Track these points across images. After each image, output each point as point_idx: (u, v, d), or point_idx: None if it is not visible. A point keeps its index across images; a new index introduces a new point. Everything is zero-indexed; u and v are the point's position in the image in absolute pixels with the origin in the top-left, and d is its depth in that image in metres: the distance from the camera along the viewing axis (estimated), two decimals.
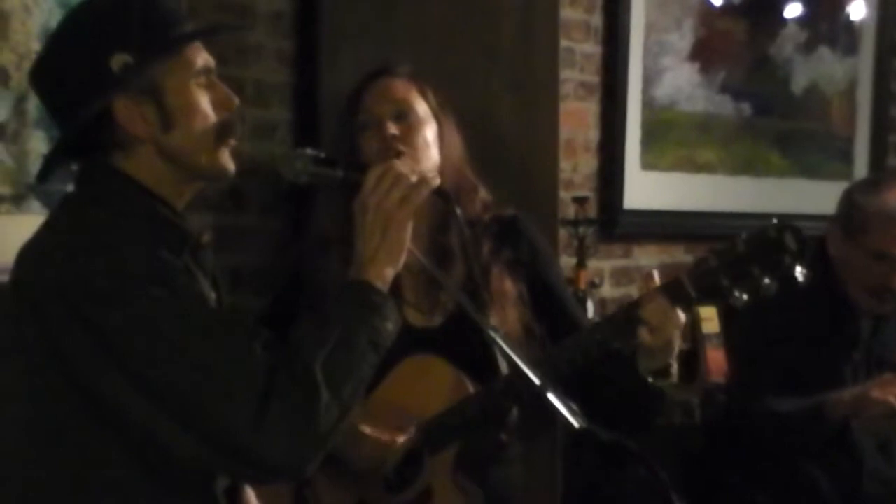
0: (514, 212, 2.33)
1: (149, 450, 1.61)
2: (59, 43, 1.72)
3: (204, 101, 1.71)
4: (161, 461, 1.62)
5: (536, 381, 1.61)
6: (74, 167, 1.77)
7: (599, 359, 2.05)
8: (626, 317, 2.03)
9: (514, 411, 2.21)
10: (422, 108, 2.24)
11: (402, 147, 2.15)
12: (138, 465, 1.62)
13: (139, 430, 1.59)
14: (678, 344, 2.06)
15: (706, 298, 2.04)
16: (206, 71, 1.72)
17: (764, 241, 1.98)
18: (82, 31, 1.69)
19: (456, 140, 2.27)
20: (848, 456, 2.83)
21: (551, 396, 1.58)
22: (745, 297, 1.98)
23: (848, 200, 2.90)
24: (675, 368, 2.10)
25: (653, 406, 2.11)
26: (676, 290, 2.01)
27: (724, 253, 1.99)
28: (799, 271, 1.97)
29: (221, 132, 1.72)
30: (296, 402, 1.56)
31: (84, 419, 1.61)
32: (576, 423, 1.56)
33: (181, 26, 1.71)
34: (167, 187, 1.72)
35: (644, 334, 1.99)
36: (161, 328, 1.58)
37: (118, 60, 1.65)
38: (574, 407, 1.60)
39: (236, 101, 1.75)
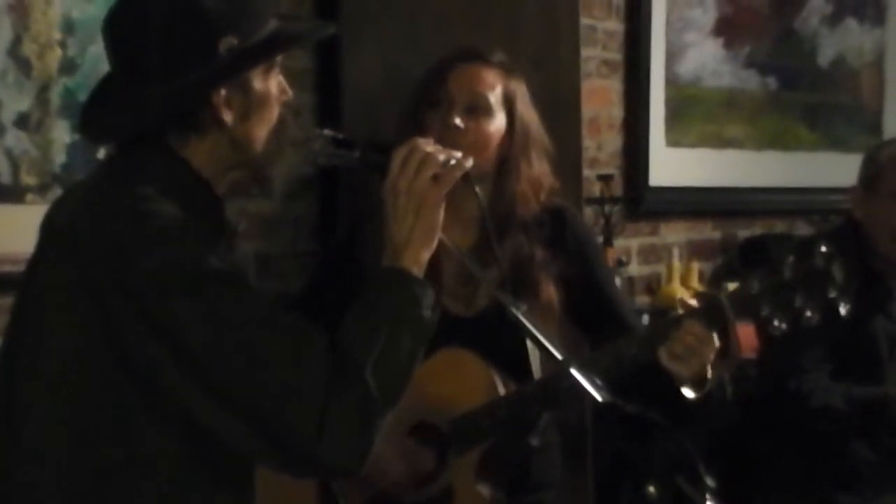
0: (561, 203, 2.31)
1: (199, 439, 1.55)
2: (165, 15, 1.59)
3: (276, 95, 1.67)
4: (210, 450, 1.57)
5: (559, 356, 1.61)
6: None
7: (632, 370, 2.03)
8: (663, 334, 2.01)
9: (545, 417, 2.20)
10: (497, 101, 2.22)
11: (461, 140, 2.13)
12: (185, 453, 1.56)
13: (191, 420, 1.53)
14: (710, 368, 2.03)
15: (744, 320, 2.01)
16: (277, 62, 1.68)
17: (810, 269, 1.94)
18: (195, 5, 1.59)
19: (531, 131, 2.26)
20: (889, 430, 2.83)
21: (575, 372, 1.57)
22: (783, 326, 1.94)
23: (865, 159, 2.96)
24: (710, 375, 2.05)
25: (685, 413, 2.08)
26: (715, 314, 1.99)
27: (768, 278, 1.95)
28: (843, 307, 1.92)
29: (277, 130, 1.68)
30: (352, 407, 1.53)
31: (126, 392, 1.54)
32: (600, 398, 1.55)
33: (271, 15, 1.66)
34: (216, 174, 1.66)
35: (675, 357, 1.98)
36: (228, 325, 1.52)
37: (226, 43, 1.60)
38: (598, 382, 1.59)
39: (290, 94, 1.70)
